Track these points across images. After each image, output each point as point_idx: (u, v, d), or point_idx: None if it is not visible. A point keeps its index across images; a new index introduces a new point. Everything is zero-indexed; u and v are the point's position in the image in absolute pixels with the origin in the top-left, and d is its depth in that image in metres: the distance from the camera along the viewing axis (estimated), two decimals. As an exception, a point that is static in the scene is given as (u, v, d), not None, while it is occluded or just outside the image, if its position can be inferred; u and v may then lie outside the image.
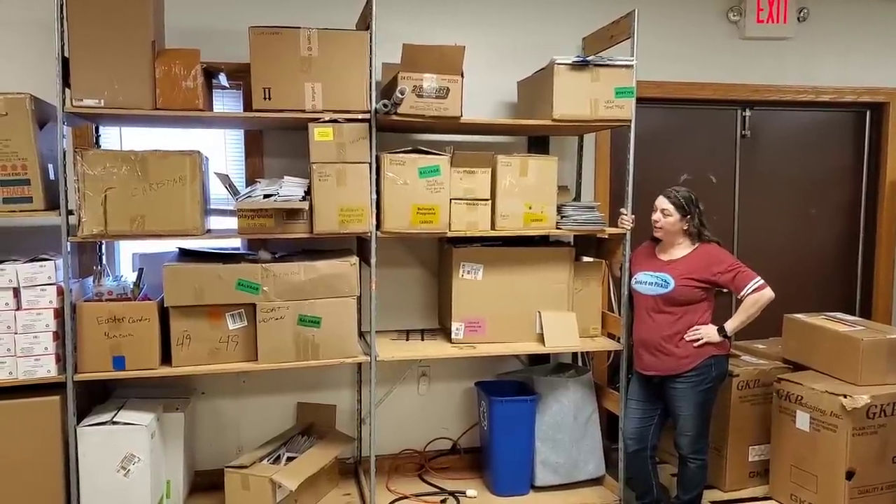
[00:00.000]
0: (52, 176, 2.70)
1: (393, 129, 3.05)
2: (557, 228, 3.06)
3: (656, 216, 2.83)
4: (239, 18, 2.97)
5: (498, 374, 3.50)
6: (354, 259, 2.91)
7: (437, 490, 3.27)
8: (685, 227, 2.79)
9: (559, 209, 3.07)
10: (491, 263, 3.08)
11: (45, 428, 2.66)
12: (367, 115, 2.79)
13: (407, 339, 3.27)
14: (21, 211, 2.60)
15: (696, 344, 2.76)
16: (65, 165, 2.60)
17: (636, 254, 3.01)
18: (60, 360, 2.66)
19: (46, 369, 2.64)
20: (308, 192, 2.81)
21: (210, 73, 2.83)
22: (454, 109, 2.83)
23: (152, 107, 2.64)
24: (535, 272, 3.12)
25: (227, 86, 2.94)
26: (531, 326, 3.14)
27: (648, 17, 3.08)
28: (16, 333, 2.60)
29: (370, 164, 2.81)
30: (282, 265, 2.83)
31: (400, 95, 2.60)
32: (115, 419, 2.75)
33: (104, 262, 3.17)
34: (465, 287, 3.08)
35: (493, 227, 2.99)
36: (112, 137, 3.26)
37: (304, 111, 2.75)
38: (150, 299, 2.79)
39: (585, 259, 3.31)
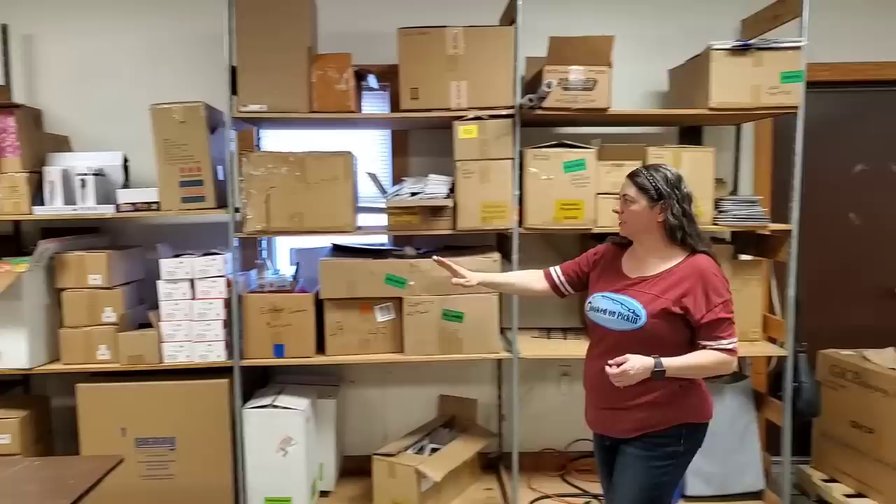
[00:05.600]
0: (220, 177, 2.94)
1: (536, 124, 3.01)
2: (714, 224, 2.86)
3: (618, 206, 2.03)
4: (385, 21, 3.06)
5: (644, 376, 3.35)
6: (496, 255, 2.91)
7: (579, 492, 3.19)
8: (659, 220, 1.93)
9: (716, 204, 2.87)
10: (639, 261, 2.95)
11: (215, 407, 2.91)
12: (511, 111, 2.78)
13: (549, 338, 3.22)
14: (196, 209, 2.86)
15: (618, 379, 1.85)
16: (232, 167, 2.82)
17: (600, 262, 2.18)
18: (229, 346, 2.90)
19: (217, 354, 2.88)
20: (452, 190, 2.85)
21: (360, 75, 2.94)
22: (602, 101, 2.74)
23: (308, 110, 2.79)
24: (686, 270, 2.95)
25: (377, 87, 3.04)
26: (682, 328, 2.97)
27: (820, -8, 2.79)
28: (192, 321, 2.86)
29: (513, 159, 2.79)
30: (427, 261, 2.89)
31: (546, 89, 2.56)
32: (275, 403, 2.95)
33: (265, 256, 3.41)
34: (610, 285, 2.97)
35: (641, 222, 2.85)
36: (271, 140, 3.49)
37: (449, 109, 2.79)
38: (306, 292, 2.96)
39: (743, 257, 3.08)
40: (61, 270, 2.85)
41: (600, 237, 2.94)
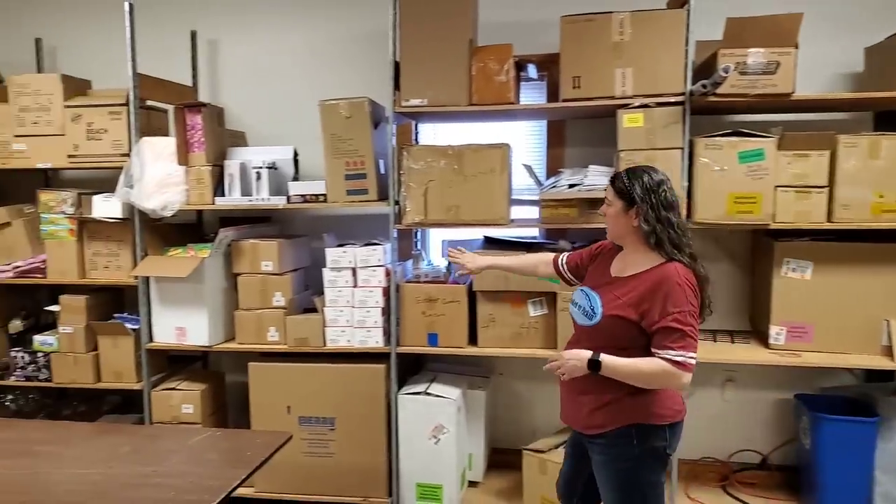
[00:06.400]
0: (382, 170, 3.03)
1: (707, 112, 2.82)
2: (918, 221, 2.54)
3: (602, 207, 2.04)
4: (543, 8, 3.00)
5: (822, 388, 3.05)
6: (660, 251, 2.76)
7: (743, 507, 2.98)
8: (634, 224, 1.91)
9: (920, 198, 2.54)
10: (823, 260, 2.69)
11: (372, 391, 3.00)
12: (680, 98, 2.62)
13: (714, 341, 3.01)
14: (360, 201, 2.96)
15: (558, 370, 1.93)
16: (393, 161, 2.89)
17: (598, 257, 2.18)
18: (386, 332, 2.99)
19: (375, 340, 2.98)
20: (613, 181, 2.74)
21: (519, 65, 2.90)
22: (785, 85, 2.52)
23: (468, 103, 2.80)
24: (882, 273, 2.64)
25: (536, 77, 2.99)
26: (874, 336, 2.66)
27: None
28: (353, 307, 2.98)
29: (682, 149, 2.63)
30: (583, 255, 2.80)
31: (723, 74, 2.38)
32: (428, 390, 3.00)
33: (419, 247, 3.48)
34: (788, 286, 2.72)
35: (829, 218, 2.60)
36: (427, 134, 3.55)
37: (613, 97, 2.68)
38: (458, 283, 2.98)
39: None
40: (237, 257, 3.08)
41: (777, 233, 2.73)
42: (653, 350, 1.85)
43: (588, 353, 1.87)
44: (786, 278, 2.72)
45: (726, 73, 2.39)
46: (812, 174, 2.58)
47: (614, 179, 1.98)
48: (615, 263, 2.04)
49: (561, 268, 2.31)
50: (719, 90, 2.51)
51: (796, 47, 2.50)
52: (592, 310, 1.95)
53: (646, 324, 1.85)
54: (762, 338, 2.88)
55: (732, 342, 2.98)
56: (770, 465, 3.22)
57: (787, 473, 3.15)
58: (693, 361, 1.82)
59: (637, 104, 2.64)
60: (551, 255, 2.36)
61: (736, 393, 3.24)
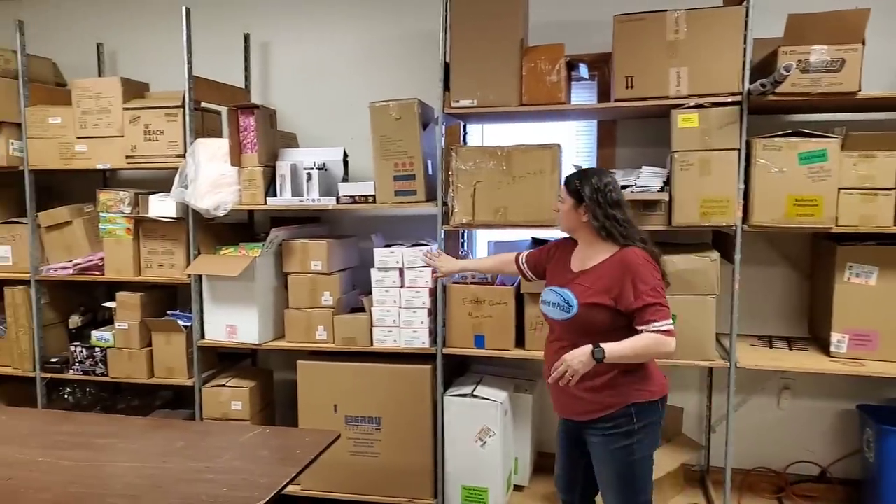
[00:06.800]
0: (430, 171, 3.02)
1: (765, 111, 2.74)
2: None
3: (555, 203, 2.27)
4: (595, 8, 2.95)
5: (887, 399, 2.93)
6: (715, 254, 2.69)
7: (800, 520, 2.88)
8: (584, 220, 2.11)
9: None
10: (890, 265, 2.58)
11: (418, 392, 3.00)
12: (737, 98, 2.55)
13: (770, 347, 2.92)
14: (408, 202, 2.96)
15: (564, 382, 2.01)
16: (442, 161, 2.89)
17: (555, 255, 2.33)
18: (432, 333, 2.98)
19: (422, 340, 2.98)
20: (666, 183, 2.68)
21: (570, 65, 2.86)
22: (850, 84, 2.42)
23: (518, 103, 2.78)
24: (954, 280, 2.52)
25: (587, 77, 2.95)
26: (944, 346, 2.55)
27: None
28: (400, 308, 2.98)
29: (739, 150, 2.56)
30: (634, 258, 2.75)
31: (784, 73, 2.30)
32: (474, 393, 2.98)
33: (465, 248, 3.46)
34: (851, 292, 2.62)
35: (897, 222, 2.49)
36: (474, 135, 3.53)
37: (667, 97, 2.62)
38: (504, 285, 2.95)
39: None
40: (288, 256, 3.12)
41: (839, 237, 2.63)
42: (638, 327, 2.00)
43: (588, 348, 1.97)
44: (848, 284, 2.62)
45: (787, 71, 2.31)
46: (879, 175, 2.48)
47: (568, 181, 2.17)
48: (574, 260, 2.20)
49: (522, 266, 2.48)
50: (779, 89, 2.44)
51: (863, 44, 2.40)
52: (567, 303, 2.09)
53: (622, 306, 2.01)
54: (822, 345, 2.78)
55: (790, 349, 2.88)
56: (830, 478, 3.10)
57: (849, 487, 3.04)
58: (672, 325, 1.99)
59: (692, 104, 2.58)
60: (514, 255, 2.52)
61: (792, 401, 3.13)
